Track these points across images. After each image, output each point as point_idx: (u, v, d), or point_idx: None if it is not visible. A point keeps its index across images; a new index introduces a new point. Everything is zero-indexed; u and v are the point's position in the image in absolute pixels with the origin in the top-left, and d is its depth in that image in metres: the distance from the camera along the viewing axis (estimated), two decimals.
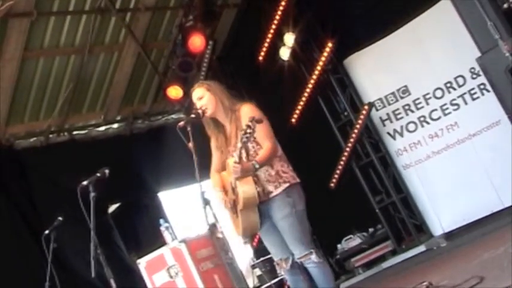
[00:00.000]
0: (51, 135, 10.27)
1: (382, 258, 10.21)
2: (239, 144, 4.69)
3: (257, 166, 4.89)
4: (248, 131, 4.57)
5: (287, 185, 5.09)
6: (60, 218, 6.91)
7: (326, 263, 5.25)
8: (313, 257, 5.07)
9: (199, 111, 5.18)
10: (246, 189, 4.93)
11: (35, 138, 10.14)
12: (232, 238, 5.60)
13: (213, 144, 5.33)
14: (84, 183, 5.86)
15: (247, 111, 5.08)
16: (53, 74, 9.83)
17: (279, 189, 5.06)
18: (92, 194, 5.79)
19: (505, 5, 7.31)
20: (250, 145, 4.84)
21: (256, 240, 10.01)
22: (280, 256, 5.23)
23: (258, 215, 5.06)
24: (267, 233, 5.24)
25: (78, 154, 9.95)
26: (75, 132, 10.63)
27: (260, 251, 9.69)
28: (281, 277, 5.39)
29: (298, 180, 5.22)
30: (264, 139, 4.98)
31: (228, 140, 5.21)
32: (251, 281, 10.10)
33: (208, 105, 5.19)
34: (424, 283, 5.69)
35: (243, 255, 10.34)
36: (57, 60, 9.78)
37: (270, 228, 5.19)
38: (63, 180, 8.95)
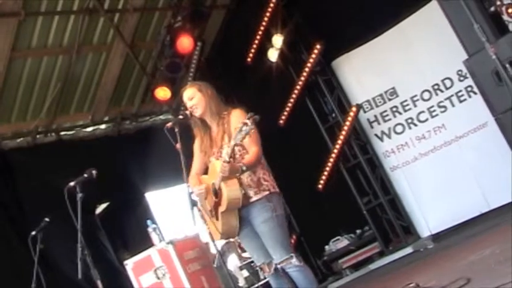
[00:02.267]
0: (38, 136, 10.22)
1: (369, 260, 10.23)
2: (232, 142, 4.67)
3: (244, 168, 4.88)
4: (244, 128, 4.54)
5: (267, 192, 5.08)
6: (47, 219, 6.88)
7: (307, 266, 5.24)
8: (294, 261, 5.04)
9: (187, 112, 5.17)
10: (231, 190, 4.91)
11: (22, 139, 10.09)
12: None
13: (198, 144, 5.31)
14: (71, 184, 5.84)
15: (238, 115, 5.08)
16: (41, 74, 9.79)
17: (259, 195, 5.05)
18: (79, 195, 5.77)
19: (492, 8, 7.34)
20: (236, 148, 4.82)
21: None
22: (263, 260, 5.19)
23: (238, 220, 5.05)
24: (247, 238, 5.22)
25: (65, 155, 9.91)
26: (62, 133, 10.58)
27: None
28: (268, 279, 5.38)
29: (277, 190, 5.22)
30: (251, 144, 4.97)
31: (212, 143, 5.20)
32: (239, 282, 10.08)
33: (198, 106, 5.19)
34: (411, 284, 5.69)
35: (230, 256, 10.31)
36: (44, 60, 9.74)
37: (249, 233, 5.16)
38: (50, 181, 8.90)
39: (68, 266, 8.15)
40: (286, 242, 5.15)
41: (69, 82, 10.14)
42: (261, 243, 5.12)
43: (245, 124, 4.53)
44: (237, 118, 5.03)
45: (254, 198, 5.05)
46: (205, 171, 5.25)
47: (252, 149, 4.98)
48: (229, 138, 4.94)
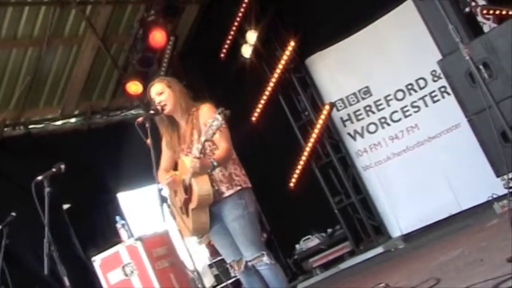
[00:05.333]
0: (6, 129, 10.12)
1: (340, 259, 10.28)
2: (203, 138, 4.62)
3: (215, 164, 4.85)
4: (214, 123, 4.51)
5: (239, 188, 5.06)
6: (13, 214, 6.83)
7: (278, 265, 5.23)
8: (265, 258, 5.02)
9: (159, 107, 5.13)
10: (202, 187, 4.88)
11: None
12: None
13: (165, 142, 5.26)
14: (39, 178, 5.79)
15: (207, 110, 5.05)
16: (10, 66, 9.70)
17: (231, 191, 5.02)
18: (47, 190, 5.72)
19: (467, 9, 7.41)
20: (206, 144, 4.79)
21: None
22: (233, 258, 5.18)
23: (209, 217, 5.03)
24: (218, 235, 5.20)
25: (33, 148, 9.82)
26: (31, 126, 10.48)
27: (217, 250, 9.66)
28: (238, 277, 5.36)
29: (249, 185, 5.19)
30: (221, 140, 4.93)
31: (181, 140, 5.17)
32: (208, 280, 10.07)
33: (168, 102, 5.13)
34: (382, 284, 5.73)
35: (199, 254, 10.31)
36: (14, 52, 9.64)
37: (220, 230, 5.14)
38: (18, 175, 8.83)
39: (34, 261, 8.09)
40: (257, 240, 5.14)
41: (39, 75, 10.04)
42: (231, 240, 5.11)
43: (215, 119, 4.48)
44: (206, 113, 5.00)
45: (226, 194, 5.03)
46: (175, 168, 5.22)
47: (222, 145, 4.95)
48: (198, 134, 4.90)
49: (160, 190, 4.85)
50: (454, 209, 9.32)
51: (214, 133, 4.53)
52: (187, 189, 4.94)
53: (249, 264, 5.09)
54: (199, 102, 5.24)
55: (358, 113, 10.19)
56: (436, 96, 9.51)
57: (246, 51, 10.55)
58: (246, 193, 5.11)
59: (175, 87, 5.22)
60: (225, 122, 4.49)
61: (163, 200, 4.87)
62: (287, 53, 10.33)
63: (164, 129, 5.25)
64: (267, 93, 10.69)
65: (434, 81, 9.43)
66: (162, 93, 5.16)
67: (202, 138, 4.62)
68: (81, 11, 9.93)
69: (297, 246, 10.67)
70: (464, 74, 6.97)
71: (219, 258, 9.69)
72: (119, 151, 10.44)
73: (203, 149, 4.68)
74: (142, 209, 10.70)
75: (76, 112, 11.14)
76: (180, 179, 5.01)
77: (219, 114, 4.48)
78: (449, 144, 9.35)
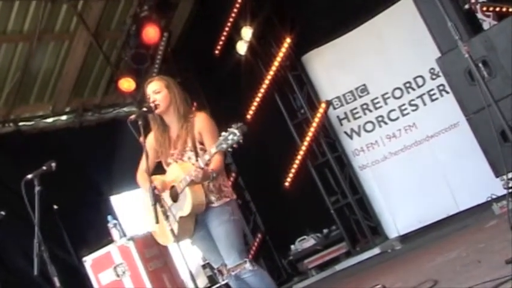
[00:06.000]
0: None
1: (336, 260, 10.29)
2: (214, 149, 4.57)
3: (214, 175, 4.87)
4: (230, 137, 4.45)
5: (228, 199, 5.08)
6: (2, 213, 6.80)
7: (262, 269, 5.23)
8: (248, 265, 5.00)
9: (152, 105, 5.11)
10: (197, 196, 4.89)
11: None
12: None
13: (152, 141, 5.21)
14: (29, 176, 5.77)
15: (203, 119, 5.07)
16: None
17: (220, 202, 5.04)
18: (37, 188, 5.70)
19: (466, 6, 7.43)
20: (200, 152, 4.81)
21: None
22: (221, 261, 5.18)
23: (194, 224, 5.05)
24: (203, 240, 5.18)
25: (23, 146, 9.80)
26: (21, 124, 10.44)
27: None
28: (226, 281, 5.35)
29: (235, 197, 5.23)
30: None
31: (171, 143, 5.15)
32: (202, 281, 10.07)
33: (162, 103, 5.11)
34: (378, 286, 5.76)
35: (192, 254, 10.30)
36: (3, 47, 9.61)
37: (205, 235, 5.13)
38: (7, 173, 8.80)
39: (23, 262, 8.07)
40: (241, 247, 5.13)
41: (29, 71, 10.01)
42: (214, 245, 5.11)
43: (232, 133, 4.46)
44: (202, 122, 5.03)
45: (215, 204, 5.04)
46: (155, 170, 5.19)
47: (217, 157, 4.92)
48: (193, 141, 4.93)
49: (153, 189, 4.84)
50: (452, 209, 9.33)
51: (228, 147, 4.52)
52: (177, 196, 4.93)
53: (232, 274, 5.07)
54: (193, 108, 5.24)
55: (355, 111, 10.19)
56: (434, 94, 9.52)
57: (241, 48, 10.54)
58: (233, 203, 5.15)
59: (173, 90, 5.20)
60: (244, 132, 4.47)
61: (155, 200, 4.85)
62: (283, 50, 10.32)
63: (155, 128, 5.23)
64: (262, 91, 10.69)
65: (433, 79, 9.44)
66: (158, 92, 5.15)
67: (213, 150, 4.61)
68: (72, 5, 9.90)
69: (292, 246, 10.67)
70: (463, 72, 6.99)
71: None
72: (111, 150, 10.42)
73: (209, 161, 4.68)
74: (135, 209, 10.67)
75: (67, 109, 11.11)
76: (168, 184, 5.01)
77: (237, 129, 4.46)
78: (447, 143, 9.37)
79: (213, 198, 5.04)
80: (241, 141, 4.48)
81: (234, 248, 5.04)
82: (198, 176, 4.73)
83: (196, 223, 5.07)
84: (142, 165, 5.18)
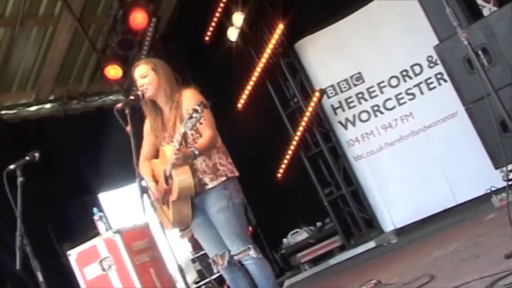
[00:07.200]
0: None
1: (329, 254, 10.31)
2: (182, 129, 4.61)
3: (196, 153, 4.83)
4: (194, 115, 4.50)
5: (224, 178, 5.05)
6: None
7: (265, 259, 5.23)
8: (252, 252, 5.01)
9: (139, 93, 5.10)
10: (183, 178, 4.88)
11: None
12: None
13: (148, 126, 5.25)
14: (11, 167, 5.73)
15: (189, 96, 5.04)
16: None
17: (215, 182, 5.02)
18: (20, 179, 5.66)
19: None
20: (189, 132, 4.78)
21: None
22: (216, 252, 5.17)
23: (191, 208, 5.03)
24: (200, 227, 5.19)
25: (5, 136, 9.76)
26: (3, 112, 10.40)
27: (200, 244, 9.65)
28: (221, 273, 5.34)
29: (236, 173, 5.18)
30: (204, 127, 4.91)
31: (164, 126, 5.15)
32: (191, 275, 10.07)
33: (150, 86, 5.11)
34: (373, 281, 5.75)
35: (181, 248, 10.30)
36: None
37: (203, 222, 5.14)
38: None
39: (5, 255, 8.05)
40: (243, 233, 5.14)
41: (12, 57, 9.97)
42: (215, 233, 5.10)
43: (195, 111, 4.49)
44: (188, 100, 5.00)
45: (210, 186, 5.03)
46: (156, 155, 5.21)
47: (206, 133, 4.94)
48: (181, 122, 4.91)
49: (140, 180, 4.84)
50: (450, 202, 9.36)
51: (193, 126, 4.53)
52: (168, 180, 4.93)
53: (235, 258, 5.08)
54: (183, 86, 5.21)
55: (349, 100, 10.20)
56: (432, 83, 9.53)
57: (232, 34, 10.52)
58: (231, 184, 5.11)
59: (161, 71, 5.19)
60: (207, 112, 4.48)
61: (143, 191, 4.85)
62: (275, 36, 10.31)
63: (148, 112, 5.24)
64: (254, 78, 10.68)
65: (431, 67, 9.45)
66: (145, 76, 5.14)
67: (182, 130, 4.61)
68: None
69: (285, 240, 10.69)
70: (462, 60, 6.98)
71: (202, 252, 9.67)
72: (97, 139, 10.38)
73: (183, 140, 4.67)
74: (122, 203, 10.66)
75: (51, 97, 11.06)
76: (160, 168, 5.01)
77: (199, 106, 4.47)
78: (445, 133, 9.38)
79: (207, 179, 5.03)
80: (203, 118, 4.56)
81: (236, 234, 5.05)
82: (178, 158, 4.72)
83: (195, 208, 5.05)
84: (142, 153, 5.23)
